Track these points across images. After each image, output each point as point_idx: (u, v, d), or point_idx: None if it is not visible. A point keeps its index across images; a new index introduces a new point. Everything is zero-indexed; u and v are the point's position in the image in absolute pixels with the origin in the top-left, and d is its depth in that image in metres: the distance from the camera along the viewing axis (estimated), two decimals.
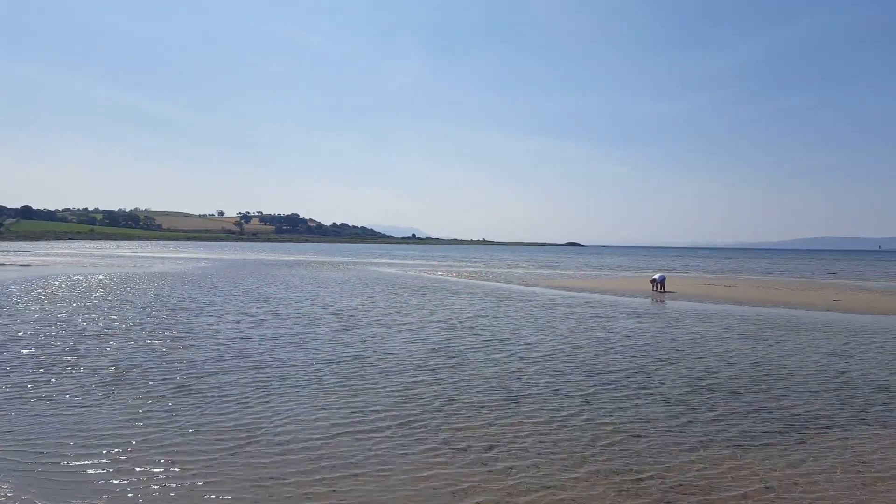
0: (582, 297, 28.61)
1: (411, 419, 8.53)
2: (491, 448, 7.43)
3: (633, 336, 16.52)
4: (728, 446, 7.67)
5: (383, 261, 77.76)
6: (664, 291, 32.54)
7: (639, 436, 8.01)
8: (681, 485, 6.44)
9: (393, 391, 10.06)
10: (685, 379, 11.39)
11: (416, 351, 13.67)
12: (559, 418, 8.71)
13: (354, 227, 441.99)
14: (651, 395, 10.13)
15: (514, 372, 11.69)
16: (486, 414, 8.84)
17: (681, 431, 8.23)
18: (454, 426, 8.25)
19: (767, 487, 6.45)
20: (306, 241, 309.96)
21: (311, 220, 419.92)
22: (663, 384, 10.90)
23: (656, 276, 34.05)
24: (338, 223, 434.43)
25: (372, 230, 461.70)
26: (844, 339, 16.56)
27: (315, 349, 13.59)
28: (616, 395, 10.09)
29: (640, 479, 6.54)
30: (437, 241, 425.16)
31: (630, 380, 11.20)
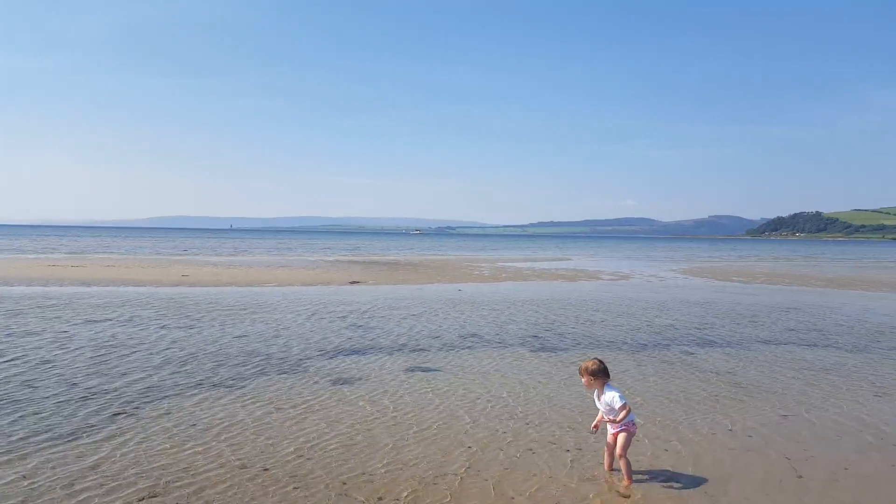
0: None
1: None
2: None
3: None
4: (58, 441, 7.13)
5: None
6: None
7: None
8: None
9: None
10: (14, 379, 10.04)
11: None
12: None
13: None
14: None
15: None
16: None
17: (7, 436, 7.18)
18: None
19: (99, 468, 6.33)
20: None
21: None
22: None
23: None
24: None
25: None
26: (187, 313, 17.87)
27: None
28: None
29: None
30: None
31: None
